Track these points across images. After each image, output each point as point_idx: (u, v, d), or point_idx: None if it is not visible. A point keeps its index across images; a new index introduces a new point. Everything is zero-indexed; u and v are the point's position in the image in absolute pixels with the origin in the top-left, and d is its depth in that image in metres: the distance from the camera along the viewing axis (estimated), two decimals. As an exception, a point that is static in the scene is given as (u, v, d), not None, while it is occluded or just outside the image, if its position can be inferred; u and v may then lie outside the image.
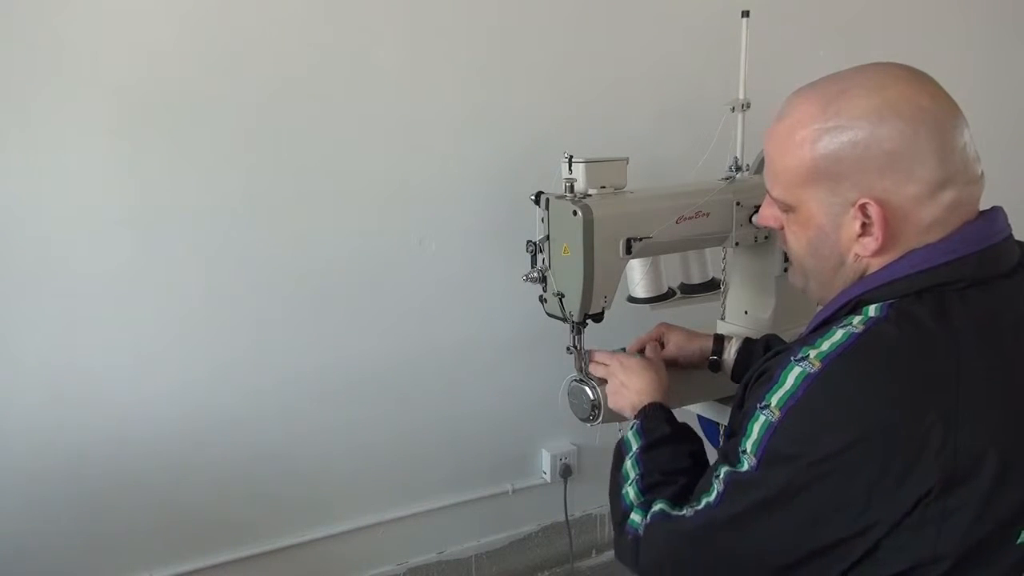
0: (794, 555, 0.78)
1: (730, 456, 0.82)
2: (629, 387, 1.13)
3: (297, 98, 1.48)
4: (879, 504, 0.73)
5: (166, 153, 1.41)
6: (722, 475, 0.82)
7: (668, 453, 0.99)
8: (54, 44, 1.30)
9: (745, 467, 0.79)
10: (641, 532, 0.90)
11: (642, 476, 0.97)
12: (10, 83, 1.29)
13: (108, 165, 1.38)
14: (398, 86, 1.55)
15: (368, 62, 1.52)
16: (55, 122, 1.33)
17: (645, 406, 1.08)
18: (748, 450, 0.79)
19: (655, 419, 1.05)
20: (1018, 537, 0.75)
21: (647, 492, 0.94)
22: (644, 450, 1.00)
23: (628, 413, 1.11)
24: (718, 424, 1.37)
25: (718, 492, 0.82)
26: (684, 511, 0.86)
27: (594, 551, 2.03)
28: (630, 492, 0.96)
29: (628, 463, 1.00)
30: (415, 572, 1.82)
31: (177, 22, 1.37)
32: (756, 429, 0.78)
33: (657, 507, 0.90)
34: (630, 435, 1.04)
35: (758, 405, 0.78)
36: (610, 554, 2.03)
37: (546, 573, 1.97)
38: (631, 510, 0.94)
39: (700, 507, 0.84)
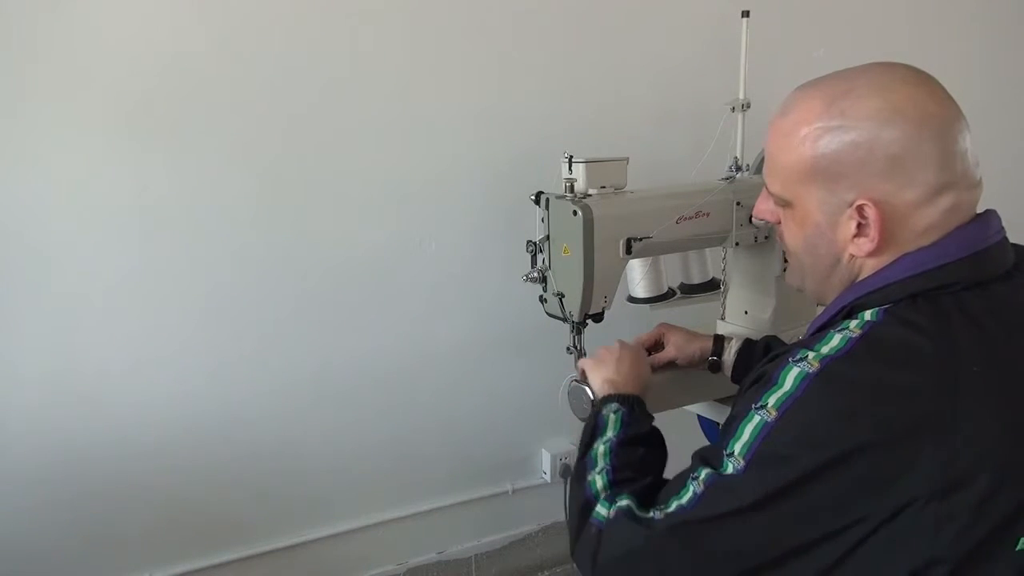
0: (770, 554, 0.77)
1: (711, 459, 0.80)
2: (621, 369, 1.10)
3: (297, 99, 1.48)
4: (866, 505, 0.72)
5: (167, 155, 1.41)
6: (702, 477, 0.79)
7: (643, 453, 0.97)
8: (56, 44, 1.30)
9: (730, 470, 0.77)
10: (604, 527, 0.87)
11: (614, 468, 0.93)
12: (11, 83, 1.29)
13: (109, 166, 1.37)
14: (399, 87, 1.54)
15: (369, 63, 1.51)
16: (56, 123, 1.33)
17: (630, 395, 1.05)
18: (736, 452, 0.77)
19: (641, 413, 1.03)
20: (1017, 544, 0.74)
21: (615, 486, 0.91)
22: (622, 442, 0.97)
23: (603, 387, 1.08)
24: (718, 424, 1.37)
25: (695, 493, 0.79)
26: (651, 513, 0.83)
27: (594, 551, 2.03)
28: (597, 481, 0.92)
29: (600, 447, 0.97)
30: (415, 572, 1.82)
31: (181, 23, 1.37)
32: (748, 430, 0.77)
33: (623, 502, 0.86)
34: (611, 417, 1.01)
35: (753, 406, 0.77)
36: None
37: (546, 573, 1.97)
38: (596, 500, 0.90)
39: (670, 509, 0.81)
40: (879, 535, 0.73)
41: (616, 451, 0.96)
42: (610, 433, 0.99)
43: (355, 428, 1.67)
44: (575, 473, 0.97)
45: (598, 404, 1.06)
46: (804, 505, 0.74)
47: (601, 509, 0.88)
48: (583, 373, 1.16)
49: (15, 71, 1.29)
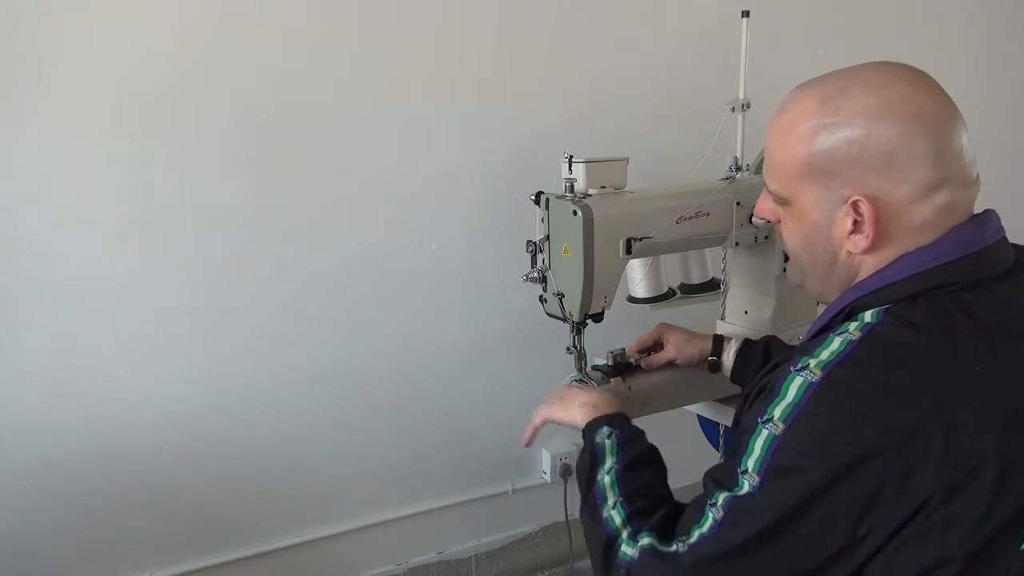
0: (798, 568, 0.76)
1: (725, 481, 0.79)
2: (592, 390, 1.11)
3: (297, 100, 1.48)
4: (882, 510, 0.72)
5: (167, 153, 1.41)
6: (720, 502, 0.78)
7: (650, 475, 0.94)
8: (56, 45, 1.30)
9: (746, 488, 0.76)
10: (632, 567, 0.84)
11: (628, 499, 0.90)
12: (11, 84, 1.29)
13: (108, 167, 1.37)
14: (398, 87, 1.55)
15: (368, 63, 1.52)
16: (57, 122, 1.33)
17: (615, 415, 1.02)
18: (750, 469, 0.76)
19: (632, 432, 0.99)
20: (1022, 543, 0.74)
21: (634, 519, 0.88)
22: (626, 467, 0.94)
23: (586, 411, 1.04)
24: (718, 424, 1.37)
25: (715, 520, 0.78)
26: (675, 547, 0.81)
27: (594, 551, 2.03)
28: (615, 517, 0.89)
29: (606, 479, 0.94)
30: (415, 572, 1.81)
31: (179, 24, 1.37)
32: (759, 445, 0.76)
33: (646, 541, 0.84)
34: (607, 444, 0.97)
35: (760, 420, 0.77)
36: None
37: (546, 573, 1.97)
38: (617, 539, 0.87)
39: (693, 540, 0.79)
40: (900, 536, 0.73)
41: (623, 479, 0.93)
42: (610, 461, 0.96)
43: (355, 428, 1.67)
44: (587, 510, 0.94)
45: (588, 432, 1.01)
46: (822, 516, 0.73)
47: (627, 549, 0.85)
48: (540, 423, 1.14)
49: (16, 70, 1.29)
